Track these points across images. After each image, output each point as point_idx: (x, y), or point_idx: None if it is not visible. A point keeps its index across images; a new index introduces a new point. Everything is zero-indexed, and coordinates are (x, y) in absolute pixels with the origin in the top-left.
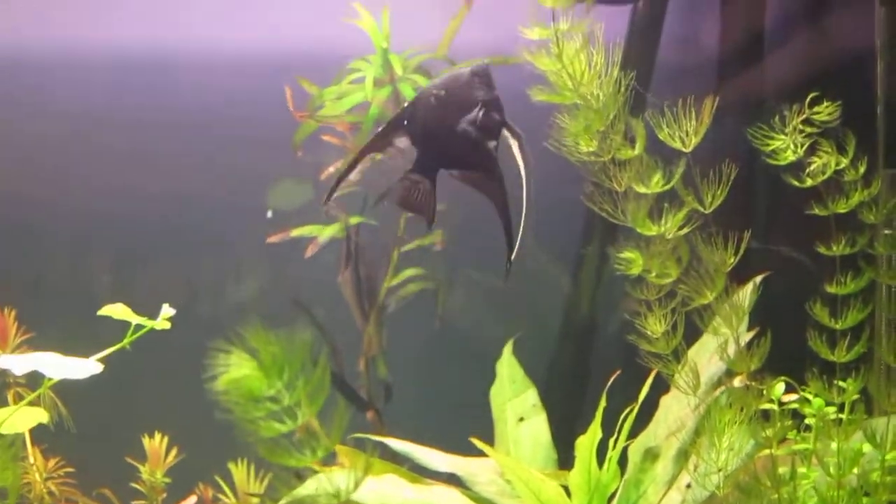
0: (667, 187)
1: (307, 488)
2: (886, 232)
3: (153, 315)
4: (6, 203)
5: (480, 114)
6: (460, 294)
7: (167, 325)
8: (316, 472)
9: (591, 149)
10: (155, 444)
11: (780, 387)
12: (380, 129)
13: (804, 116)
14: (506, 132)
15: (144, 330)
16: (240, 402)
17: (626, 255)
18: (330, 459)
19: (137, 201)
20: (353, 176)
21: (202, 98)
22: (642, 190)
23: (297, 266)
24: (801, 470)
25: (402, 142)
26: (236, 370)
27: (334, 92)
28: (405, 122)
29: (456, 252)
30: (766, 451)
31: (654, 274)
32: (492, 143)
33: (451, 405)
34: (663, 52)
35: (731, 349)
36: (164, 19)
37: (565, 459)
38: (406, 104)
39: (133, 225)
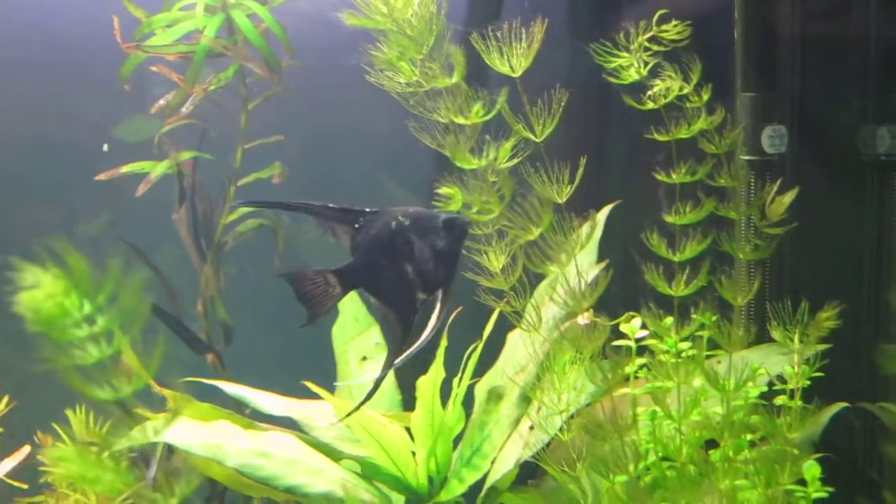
0: (487, 118)
1: (135, 437)
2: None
3: None
4: None
5: (430, 266)
6: (302, 230)
7: None
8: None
9: (408, 78)
10: None
11: (635, 322)
12: (334, 206)
13: (650, 34)
14: (440, 292)
15: None
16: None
17: (445, 190)
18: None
19: None
20: (186, 109)
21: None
22: (461, 121)
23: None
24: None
25: (343, 238)
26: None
27: (164, 19)
28: (357, 226)
29: (296, 186)
30: (619, 391)
31: (475, 210)
32: (421, 296)
33: (293, 346)
34: None
35: (567, 287)
36: None
37: (411, 401)
38: (370, 209)
39: None
